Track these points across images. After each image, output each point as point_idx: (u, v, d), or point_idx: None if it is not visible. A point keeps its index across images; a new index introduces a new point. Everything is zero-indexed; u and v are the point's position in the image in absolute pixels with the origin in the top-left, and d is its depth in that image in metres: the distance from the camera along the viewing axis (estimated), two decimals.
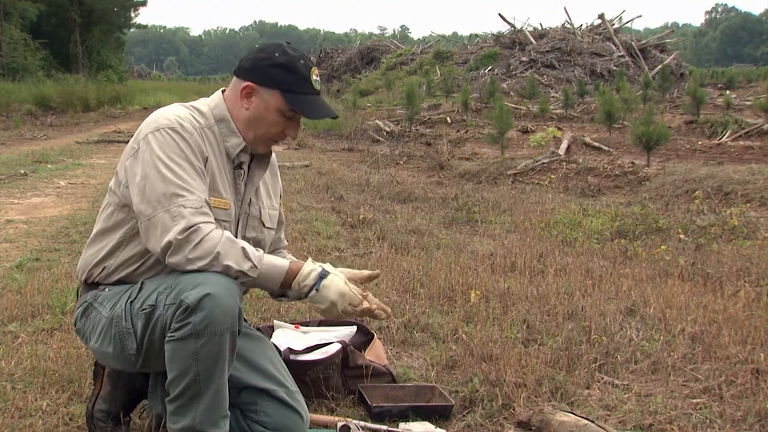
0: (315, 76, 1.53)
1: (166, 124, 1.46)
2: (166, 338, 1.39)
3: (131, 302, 1.45)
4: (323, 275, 1.45)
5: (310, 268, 1.46)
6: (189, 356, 1.36)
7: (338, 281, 1.45)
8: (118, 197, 1.51)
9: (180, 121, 1.48)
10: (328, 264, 1.50)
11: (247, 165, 1.58)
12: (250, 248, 1.42)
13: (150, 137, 1.46)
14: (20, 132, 11.09)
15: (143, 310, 1.42)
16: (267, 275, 1.42)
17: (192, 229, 1.39)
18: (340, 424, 1.70)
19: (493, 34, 25.25)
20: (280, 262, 1.45)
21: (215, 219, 1.47)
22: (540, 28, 24.09)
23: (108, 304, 1.50)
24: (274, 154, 1.68)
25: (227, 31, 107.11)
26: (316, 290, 1.44)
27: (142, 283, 1.47)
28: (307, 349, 1.95)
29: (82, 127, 12.80)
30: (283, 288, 1.46)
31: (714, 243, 3.73)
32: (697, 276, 3.08)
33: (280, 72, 1.50)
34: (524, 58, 21.40)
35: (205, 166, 1.48)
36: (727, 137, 9.35)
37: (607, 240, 3.89)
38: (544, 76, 19.81)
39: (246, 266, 1.40)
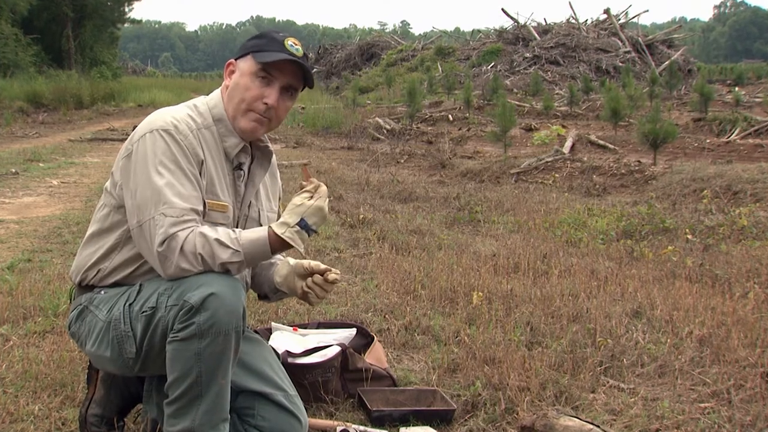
0: (291, 42, 1.51)
1: (161, 126, 1.45)
2: (168, 339, 1.37)
3: (130, 305, 1.44)
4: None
5: (284, 224, 1.44)
6: (192, 357, 1.35)
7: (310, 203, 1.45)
8: (114, 198, 1.50)
9: (175, 122, 1.46)
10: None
11: (248, 166, 1.57)
12: (224, 236, 1.41)
13: (143, 139, 1.45)
14: (11, 130, 10.95)
15: (143, 312, 1.41)
16: (253, 252, 1.41)
17: (170, 238, 1.38)
18: (339, 429, 1.69)
19: (496, 30, 25.17)
20: (257, 234, 1.43)
21: (214, 222, 1.46)
22: (544, 23, 23.96)
23: (104, 307, 1.48)
24: (274, 156, 1.66)
25: (223, 27, 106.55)
26: (309, 224, 1.44)
27: (140, 285, 1.46)
28: (305, 352, 1.93)
29: (75, 124, 12.66)
30: (276, 253, 1.46)
31: (722, 243, 3.69)
32: (705, 277, 3.05)
33: (255, 40, 1.54)
34: (528, 54, 21.30)
35: (200, 170, 1.46)
36: (736, 135, 9.26)
37: (613, 240, 3.85)
38: (549, 73, 19.71)
39: (226, 255, 1.39)
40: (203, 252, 1.37)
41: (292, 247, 1.43)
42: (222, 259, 1.38)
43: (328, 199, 1.47)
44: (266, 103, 1.50)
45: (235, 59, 1.54)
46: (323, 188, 1.46)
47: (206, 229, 1.40)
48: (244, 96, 1.50)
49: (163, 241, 1.38)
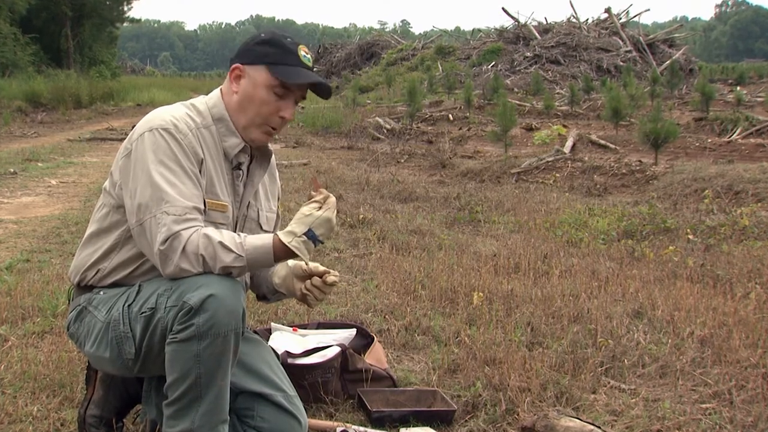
0: (303, 52, 1.51)
1: (160, 125, 1.45)
2: (167, 340, 1.36)
3: (129, 305, 1.43)
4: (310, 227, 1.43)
5: (291, 233, 1.42)
6: (191, 358, 1.34)
7: (319, 215, 1.43)
8: (113, 198, 1.50)
9: (174, 121, 1.46)
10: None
11: (247, 166, 1.56)
12: (228, 239, 1.39)
13: (143, 138, 1.44)
14: (10, 129, 10.92)
15: (142, 313, 1.40)
16: (256, 258, 1.40)
17: (173, 237, 1.37)
18: (339, 430, 1.68)
19: (496, 29, 25.13)
20: (262, 240, 1.42)
21: (213, 221, 1.46)
22: (545, 22, 23.93)
23: (103, 307, 1.48)
24: (273, 156, 1.65)
25: (223, 26, 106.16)
26: (316, 235, 1.42)
27: (139, 286, 1.45)
28: (305, 352, 1.92)
29: (73, 124, 12.63)
30: (279, 262, 1.45)
31: (724, 243, 3.68)
32: (706, 277, 3.04)
33: (266, 47, 1.50)
34: (528, 54, 21.28)
35: (200, 169, 1.46)
36: (738, 135, 9.23)
37: (614, 240, 3.84)
38: (549, 72, 19.68)
39: (229, 259, 1.37)
40: (205, 253, 1.37)
41: (296, 256, 1.43)
42: (224, 263, 1.38)
43: (336, 211, 1.46)
44: (283, 117, 1.51)
45: (242, 64, 1.50)
46: (332, 199, 1.45)
47: (211, 231, 1.39)
48: (260, 110, 1.49)
49: (166, 240, 1.37)
